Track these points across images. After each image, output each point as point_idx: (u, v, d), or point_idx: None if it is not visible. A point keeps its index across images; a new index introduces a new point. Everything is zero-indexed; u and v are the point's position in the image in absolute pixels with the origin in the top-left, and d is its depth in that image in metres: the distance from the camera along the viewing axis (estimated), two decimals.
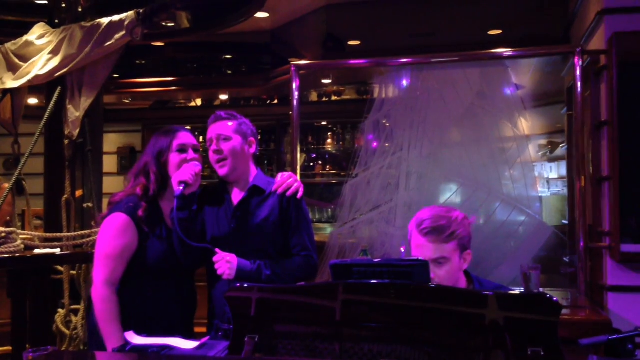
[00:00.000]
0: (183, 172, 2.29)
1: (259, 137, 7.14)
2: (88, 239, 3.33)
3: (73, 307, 3.50)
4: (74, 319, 3.46)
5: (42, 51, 3.47)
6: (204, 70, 6.99)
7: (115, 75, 6.53)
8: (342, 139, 7.04)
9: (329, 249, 3.86)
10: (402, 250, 3.44)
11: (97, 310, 2.24)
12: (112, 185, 4.62)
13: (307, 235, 2.43)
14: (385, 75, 4.03)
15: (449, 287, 1.89)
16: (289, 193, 2.41)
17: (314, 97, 7.16)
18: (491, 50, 3.70)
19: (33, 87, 3.67)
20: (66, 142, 3.52)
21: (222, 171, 2.38)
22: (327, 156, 7.09)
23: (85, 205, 3.57)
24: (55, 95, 3.49)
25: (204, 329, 2.42)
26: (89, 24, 3.39)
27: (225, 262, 2.25)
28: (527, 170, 3.64)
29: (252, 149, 2.46)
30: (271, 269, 2.32)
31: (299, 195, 2.43)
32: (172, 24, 4.41)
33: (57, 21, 3.68)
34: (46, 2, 3.85)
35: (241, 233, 2.36)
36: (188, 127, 2.51)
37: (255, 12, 4.55)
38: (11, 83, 3.53)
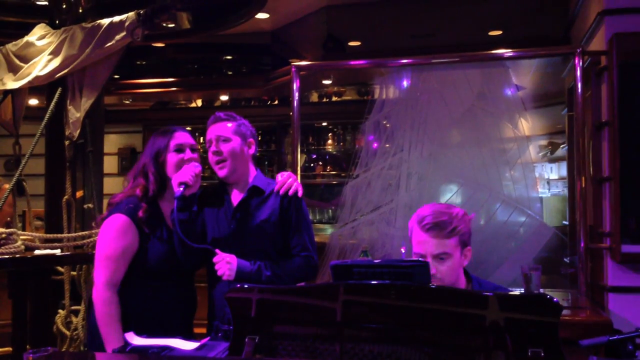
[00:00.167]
0: (183, 173, 2.29)
1: (259, 138, 7.16)
2: (89, 240, 3.33)
3: (73, 307, 3.50)
4: (74, 319, 3.46)
5: (43, 52, 3.47)
6: (204, 71, 7.00)
7: (116, 76, 6.54)
8: (343, 140, 7.04)
9: (329, 249, 3.86)
10: (403, 251, 3.44)
11: (97, 313, 2.24)
12: (113, 186, 4.62)
13: (307, 236, 2.43)
14: (386, 76, 4.03)
15: (450, 287, 1.89)
16: (290, 192, 2.41)
17: (314, 97, 7.16)
18: (491, 51, 3.70)
19: (34, 88, 3.67)
20: (67, 142, 3.52)
21: (221, 172, 2.38)
22: (327, 157, 7.09)
23: (85, 206, 3.57)
24: (56, 96, 3.50)
25: (203, 330, 2.42)
26: (89, 25, 3.39)
27: (225, 263, 2.25)
28: (527, 170, 3.64)
29: (252, 150, 2.46)
30: (271, 270, 2.32)
31: (300, 194, 2.44)
32: (173, 25, 4.41)
33: (57, 22, 3.68)
34: (47, 3, 3.85)
35: (241, 234, 2.36)
36: (188, 128, 2.53)
37: (256, 13, 4.55)
38: (12, 84, 3.53)
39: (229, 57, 6.85)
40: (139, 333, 1.82)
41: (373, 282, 1.44)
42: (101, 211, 3.47)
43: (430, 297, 1.34)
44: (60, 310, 3.50)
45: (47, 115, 3.49)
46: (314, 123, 7.06)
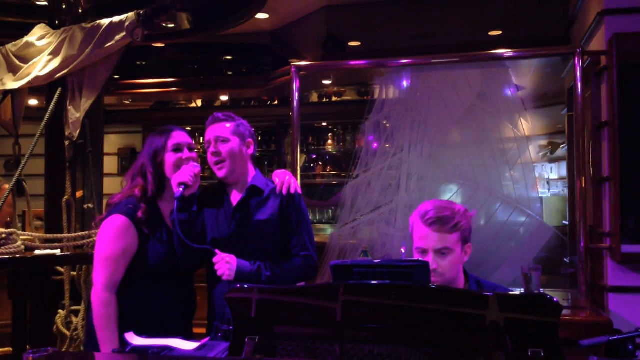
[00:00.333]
0: (182, 173, 2.29)
1: (259, 139, 7.17)
2: (88, 240, 3.33)
3: (73, 308, 3.51)
4: (74, 319, 3.47)
5: (43, 52, 3.47)
6: (204, 71, 7.00)
7: (116, 76, 6.54)
8: (343, 140, 7.05)
9: (329, 249, 3.86)
10: (403, 251, 3.44)
11: (95, 314, 2.23)
12: (113, 186, 4.61)
13: (307, 236, 2.43)
14: (386, 76, 4.03)
15: (450, 287, 1.89)
16: (292, 190, 2.41)
17: (314, 98, 7.16)
18: (491, 51, 3.70)
19: (33, 88, 3.67)
20: (67, 143, 3.52)
21: (220, 173, 2.38)
22: (327, 157, 7.09)
23: (85, 206, 3.57)
24: (56, 96, 3.50)
25: (203, 330, 2.42)
26: (89, 25, 3.39)
27: (225, 263, 2.25)
28: (527, 171, 3.64)
29: (250, 150, 2.46)
30: (271, 270, 2.32)
31: (299, 190, 2.45)
32: (173, 25, 4.41)
33: (57, 22, 3.68)
34: (46, 3, 3.85)
35: (241, 234, 2.36)
36: (188, 128, 2.53)
37: (256, 13, 4.55)
38: (12, 84, 3.53)
39: (228, 58, 6.86)
40: (139, 333, 1.82)
41: (373, 282, 1.44)
42: (101, 211, 3.47)
43: (430, 297, 1.34)
44: (60, 311, 3.50)
45: (47, 116, 3.49)
46: (314, 123, 7.06)
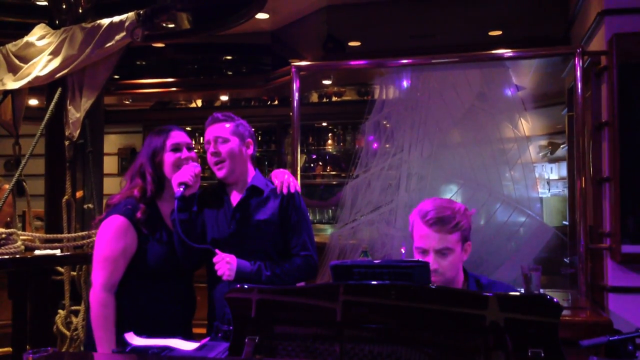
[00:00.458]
0: (183, 173, 2.29)
1: (259, 139, 7.17)
2: (88, 240, 3.33)
3: (73, 308, 3.50)
4: (74, 320, 3.46)
5: (43, 52, 3.47)
6: (204, 71, 7.00)
7: (116, 76, 6.54)
8: (343, 140, 7.05)
9: (329, 250, 3.86)
10: (403, 251, 3.44)
11: (93, 314, 2.23)
12: (113, 186, 4.60)
13: (307, 236, 2.43)
14: (386, 76, 4.03)
15: (450, 288, 1.89)
16: (292, 190, 2.42)
17: (314, 98, 7.16)
18: (491, 51, 3.70)
19: (34, 88, 3.67)
20: (67, 143, 3.52)
21: (220, 173, 2.38)
22: (327, 157, 7.09)
23: (85, 206, 3.57)
24: (56, 96, 3.50)
25: (203, 330, 2.42)
26: (89, 25, 3.39)
27: (225, 263, 2.25)
28: (527, 171, 3.64)
29: (250, 150, 2.46)
30: (271, 270, 2.32)
31: (298, 189, 2.46)
32: (173, 25, 4.41)
33: (57, 22, 3.68)
34: (46, 3, 3.85)
35: (241, 234, 2.36)
36: (188, 128, 2.53)
37: (256, 13, 4.56)
38: (12, 84, 3.53)
39: (229, 57, 6.86)
40: (139, 333, 1.82)
41: (373, 282, 1.44)
42: (101, 211, 3.47)
43: (430, 298, 1.34)
44: (60, 311, 3.50)
45: (47, 116, 3.49)
46: (314, 123, 7.06)
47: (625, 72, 3.12)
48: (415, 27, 5.33)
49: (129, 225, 2.28)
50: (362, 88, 6.76)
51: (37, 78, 3.46)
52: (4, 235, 3.06)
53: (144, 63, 6.90)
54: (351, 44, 5.68)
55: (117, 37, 3.32)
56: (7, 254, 3.04)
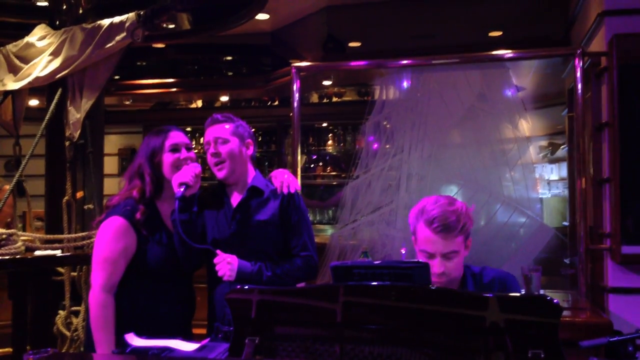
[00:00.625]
0: (183, 173, 2.29)
1: (260, 139, 7.17)
2: (89, 241, 3.33)
3: (74, 308, 3.50)
4: (74, 320, 3.46)
5: (43, 53, 3.47)
6: (204, 72, 7.00)
7: (116, 77, 6.54)
8: (343, 141, 7.05)
9: (329, 250, 3.86)
10: (403, 251, 3.44)
11: (92, 315, 2.23)
12: (113, 186, 4.59)
13: (307, 236, 2.43)
14: (386, 76, 4.04)
15: (450, 289, 1.89)
16: (292, 190, 2.42)
17: (314, 98, 7.16)
18: (492, 51, 3.70)
19: (34, 88, 3.67)
20: (67, 143, 3.52)
21: (220, 174, 2.39)
22: (327, 157, 7.09)
23: (86, 206, 3.57)
24: (56, 96, 3.50)
25: (203, 331, 2.42)
26: (89, 26, 3.39)
27: (226, 264, 2.25)
28: (527, 171, 3.64)
29: (250, 151, 2.47)
30: (272, 270, 2.32)
31: (298, 188, 2.46)
32: (173, 26, 4.41)
33: (58, 23, 3.68)
34: (47, 3, 3.86)
35: (241, 235, 2.36)
36: (189, 129, 2.52)
37: (256, 14, 4.55)
38: (12, 85, 3.53)
39: (229, 58, 6.86)
40: (139, 334, 1.82)
41: (373, 283, 1.44)
42: (102, 212, 3.47)
43: (430, 299, 1.34)
44: (60, 311, 3.50)
45: (47, 116, 3.49)
46: (314, 124, 7.06)
47: (626, 73, 3.13)
48: (415, 28, 5.33)
49: (128, 226, 2.28)
50: (363, 88, 6.76)
51: (37, 79, 3.46)
52: (4, 236, 3.06)
53: (144, 63, 6.90)
54: (351, 44, 5.68)
55: (118, 38, 3.32)
56: (7, 254, 3.04)
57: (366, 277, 1.52)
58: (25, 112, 3.80)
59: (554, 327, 1.22)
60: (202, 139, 5.64)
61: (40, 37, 3.54)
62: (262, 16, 5.20)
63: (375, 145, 3.94)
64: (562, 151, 5.25)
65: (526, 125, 3.69)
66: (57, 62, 3.42)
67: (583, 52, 3.30)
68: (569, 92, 4.15)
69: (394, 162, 3.83)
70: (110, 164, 7.25)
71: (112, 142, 7.59)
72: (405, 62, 3.76)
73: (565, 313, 2.76)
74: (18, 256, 3.08)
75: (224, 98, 7.39)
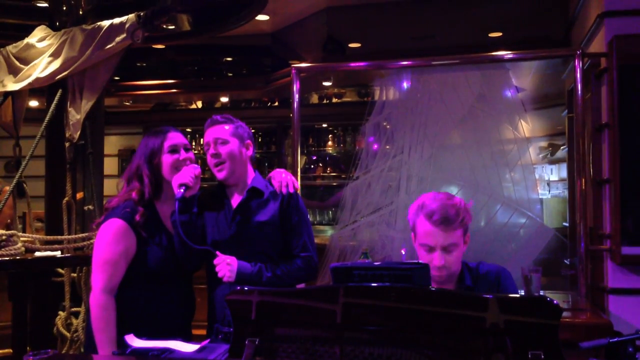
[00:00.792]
0: (183, 174, 2.29)
1: (259, 140, 7.17)
2: (89, 242, 3.33)
3: (74, 309, 3.50)
4: (74, 321, 3.46)
5: (43, 54, 3.48)
6: (204, 73, 7.00)
7: (116, 78, 6.55)
8: (343, 142, 7.05)
9: (329, 251, 3.86)
10: (403, 252, 3.44)
11: (93, 318, 2.22)
12: (113, 187, 4.60)
13: (307, 236, 2.43)
14: (386, 77, 4.03)
15: (450, 290, 1.90)
16: (291, 190, 2.42)
17: (314, 99, 7.17)
18: (492, 52, 3.70)
19: (34, 89, 3.67)
20: (67, 144, 3.52)
21: (220, 175, 2.39)
22: (327, 158, 7.09)
23: (86, 207, 3.57)
24: (56, 97, 3.50)
25: (203, 332, 2.42)
26: (89, 27, 3.39)
27: (226, 265, 2.25)
28: (527, 172, 3.64)
29: (249, 152, 2.47)
30: (272, 271, 2.32)
31: (297, 186, 2.47)
32: (173, 27, 4.41)
33: (58, 24, 3.68)
34: (47, 5, 3.86)
35: (241, 236, 2.36)
36: (189, 130, 2.52)
37: (256, 15, 4.55)
38: (12, 86, 3.53)
39: (229, 59, 6.86)
40: (139, 335, 1.82)
41: (373, 284, 1.44)
42: (102, 213, 3.47)
43: (430, 300, 1.34)
44: (60, 312, 3.50)
45: (47, 117, 3.49)
46: (314, 124, 7.07)
47: (625, 74, 3.13)
48: (415, 29, 5.33)
49: (128, 228, 2.28)
50: (362, 89, 6.77)
51: (37, 80, 3.46)
52: (4, 237, 3.06)
53: (144, 64, 6.90)
54: (351, 45, 5.69)
55: (118, 39, 3.32)
56: (7, 255, 3.04)
57: (366, 278, 1.52)
58: (25, 113, 3.80)
59: (554, 328, 1.22)
60: (202, 140, 5.64)
61: (40, 38, 3.54)
62: (262, 17, 5.20)
63: (375, 146, 3.94)
64: (562, 152, 5.24)
65: (526, 126, 3.68)
66: (57, 63, 3.42)
67: (583, 53, 3.30)
68: (568, 93, 4.14)
69: (394, 163, 3.83)
70: (110, 165, 7.25)
71: (112, 143, 7.59)
72: (405, 63, 3.76)
73: (565, 314, 2.76)
74: (18, 257, 3.08)
75: (224, 99, 7.39)
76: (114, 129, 7.40)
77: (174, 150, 2.38)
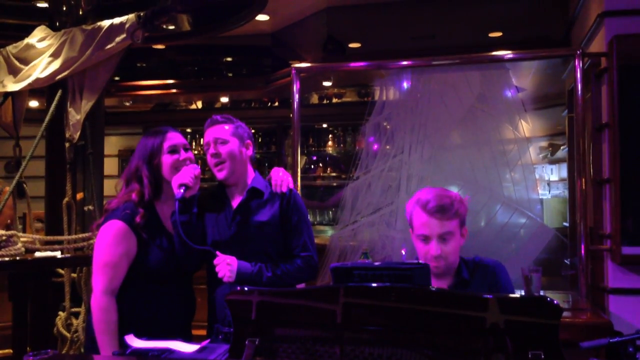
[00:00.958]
0: (183, 174, 2.29)
1: (259, 140, 7.17)
2: (89, 242, 3.33)
3: (74, 310, 3.50)
4: (74, 322, 3.46)
5: (43, 54, 3.47)
6: (204, 73, 7.00)
7: (116, 78, 6.54)
8: (343, 142, 7.05)
9: (329, 251, 3.86)
10: (403, 252, 3.44)
11: (95, 320, 2.22)
12: (113, 187, 4.61)
13: (307, 236, 2.44)
14: (386, 77, 4.03)
15: (450, 290, 1.91)
16: (284, 188, 2.43)
17: (314, 99, 7.16)
18: (492, 52, 3.70)
19: (34, 90, 3.67)
20: (67, 144, 3.52)
21: (220, 174, 2.39)
22: (327, 159, 7.09)
23: (86, 208, 3.57)
24: (56, 98, 3.50)
25: (203, 332, 2.42)
26: (89, 27, 3.39)
27: (226, 265, 2.25)
28: (527, 172, 3.64)
29: (249, 152, 2.47)
30: (272, 271, 2.32)
31: (291, 185, 2.48)
32: (173, 27, 4.41)
33: (58, 24, 3.68)
34: (47, 5, 3.86)
35: (241, 236, 2.36)
36: (189, 130, 2.52)
37: (256, 15, 4.55)
38: (12, 86, 3.53)
39: (229, 59, 6.86)
40: (139, 335, 1.82)
41: (373, 284, 1.44)
42: (102, 213, 3.47)
43: (430, 300, 1.34)
44: (60, 313, 3.50)
45: (47, 117, 3.49)
46: (314, 125, 7.06)
47: (625, 74, 3.13)
48: (415, 29, 5.33)
49: (128, 230, 2.27)
50: (363, 89, 6.76)
51: (37, 80, 3.46)
52: (4, 237, 3.06)
53: (144, 65, 6.90)
54: (351, 45, 5.69)
55: (118, 39, 3.32)
56: (7, 255, 3.04)
57: (366, 279, 1.52)
58: (25, 114, 3.80)
59: (554, 328, 1.22)
60: (202, 140, 5.64)
61: (40, 38, 3.54)
62: (262, 17, 5.20)
63: (375, 146, 3.94)
64: (562, 152, 5.24)
65: (526, 126, 3.68)
66: (57, 64, 3.42)
67: (583, 53, 3.29)
68: (569, 93, 4.14)
69: (394, 163, 3.83)
70: (111, 165, 7.26)
71: (112, 144, 7.60)
72: (405, 63, 3.76)
73: (565, 314, 2.76)
74: (18, 257, 3.08)
75: (224, 99, 7.39)
76: (114, 129, 7.40)
77: (173, 150, 2.38)
